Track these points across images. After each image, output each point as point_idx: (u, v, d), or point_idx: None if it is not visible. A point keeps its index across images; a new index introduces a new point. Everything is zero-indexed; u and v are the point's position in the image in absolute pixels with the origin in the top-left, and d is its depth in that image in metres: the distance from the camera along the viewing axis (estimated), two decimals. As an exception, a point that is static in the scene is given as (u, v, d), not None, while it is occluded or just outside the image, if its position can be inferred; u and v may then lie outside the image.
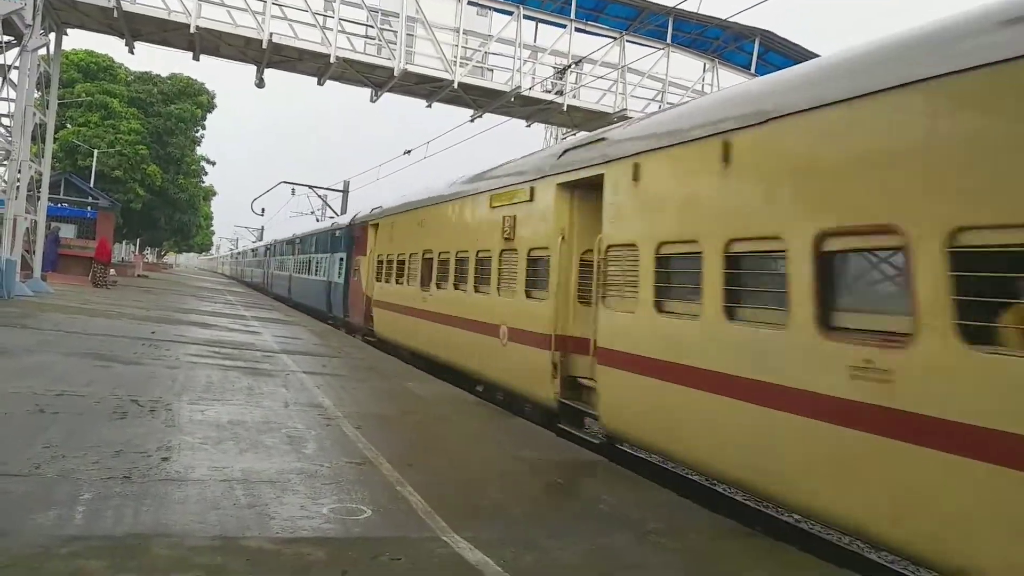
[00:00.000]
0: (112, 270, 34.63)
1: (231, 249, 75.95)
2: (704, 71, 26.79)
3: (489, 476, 6.80)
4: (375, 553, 4.50)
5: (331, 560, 4.31)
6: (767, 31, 25.43)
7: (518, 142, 20.08)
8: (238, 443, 6.90)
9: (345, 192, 45.46)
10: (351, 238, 23.36)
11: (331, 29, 22.21)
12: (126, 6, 20.35)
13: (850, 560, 5.56)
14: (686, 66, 26.97)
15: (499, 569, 4.44)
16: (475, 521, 5.32)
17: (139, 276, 52.53)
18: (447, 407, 10.59)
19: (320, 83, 24.20)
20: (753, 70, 25.06)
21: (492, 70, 24.91)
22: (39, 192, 23.44)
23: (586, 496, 6.38)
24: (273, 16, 21.64)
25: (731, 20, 22.05)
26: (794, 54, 25.18)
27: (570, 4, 23.79)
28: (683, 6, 23.20)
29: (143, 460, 5.96)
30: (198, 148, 57.41)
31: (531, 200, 10.32)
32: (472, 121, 25.62)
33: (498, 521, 5.46)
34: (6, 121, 21.26)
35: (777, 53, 25.73)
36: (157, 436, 6.81)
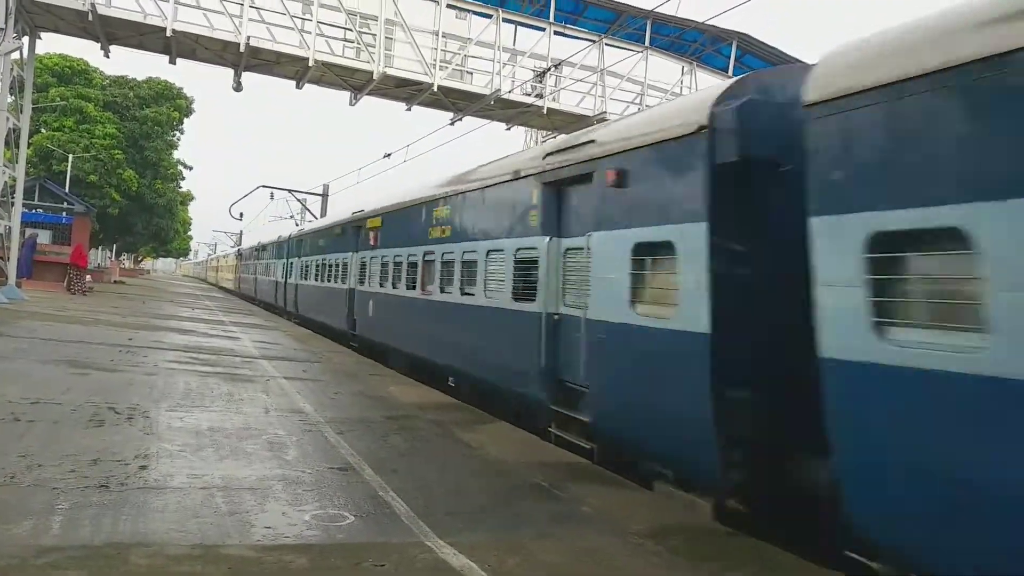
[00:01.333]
0: (88, 276, 34.22)
1: (232, 248, 70.40)
2: (683, 74, 26.96)
3: (472, 480, 6.78)
4: (358, 559, 4.46)
5: (314, 567, 4.27)
6: (744, 34, 25.66)
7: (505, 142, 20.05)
8: (218, 450, 6.83)
9: (324, 196, 45.24)
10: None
11: (309, 32, 22.08)
12: (101, 9, 20.11)
13: (833, 561, 5.57)
14: (665, 69, 27.13)
15: (483, 573, 4.42)
16: (459, 526, 5.31)
17: (115, 282, 51.94)
18: (430, 412, 10.54)
19: (299, 86, 24.04)
20: (731, 73, 25.24)
21: (472, 73, 24.87)
22: (13, 198, 23.10)
23: (570, 498, 6.37)
24: (250, 19, 21.47)
25: (709, 23, 22.24)
26: (772, 57, 25.45)
27: (549, 7, 23.84)
28: (662, 9, 23.38)
29: (121, 468, 5.88)
30: (175, 152, 56.82)
31: None
32: (452, 124, 25.60)
33: (482, 525, 5.44)
34: (-22, 126, 20.94)
35: (754, 56, 25.96)
36: (135, 444, 6.72)
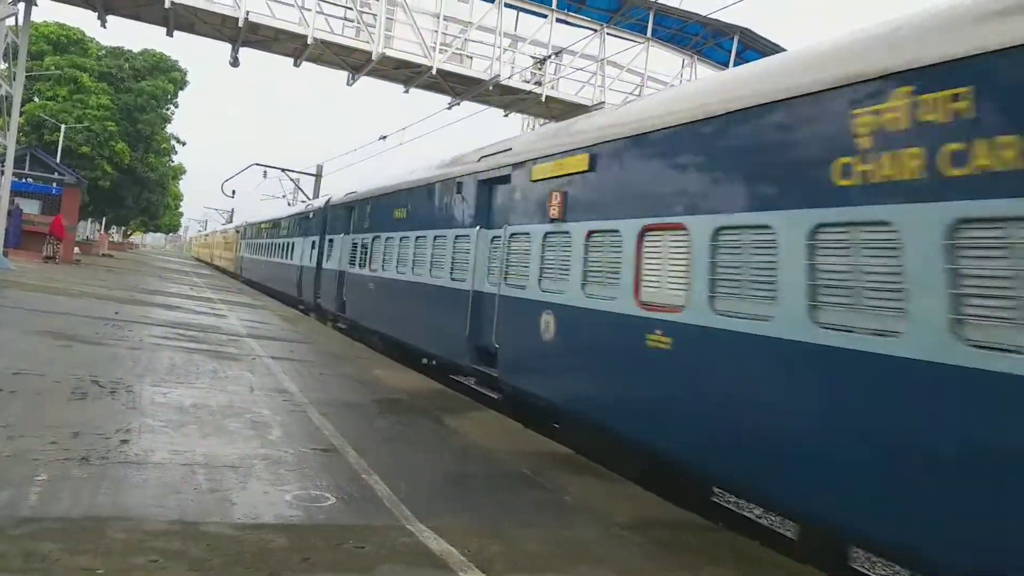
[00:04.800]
0: (76, 248, 34.03)
1: (225, 224, 59.51)
2: (683, 67, 26.86)
3: (456, 466, 6.77)
4: (338, 541, 4.44)
5: (293, 547, 4.24)
6: (746, 29, 25.56)
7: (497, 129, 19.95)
8: (201, 427, 6.78)
9: (318, 176, 44.99)
10: None
11: (309, 10, 21.87)
12: (98, -22, 19.86)
13: (811, 556, 5.60)
14: (665, 61, 27.07)
15: (463, 559, 4.41)
16: (440, 510, 5.29)
17: (104, 255, 51.62)
18: (416, 396, 10.53)
19: (296, 64, 23.83)
20: (731, 67, 25.17)
21: (471, 57, 24.69)
22: (3, 167, 22.86)
23: (553, 487, 6.36)
24: (250, -6, 21.25)
25: (712, 16, 22.15)
26: (772, 53, 25.34)
27: (552, -6, 23.68)
28: (665, 1, 23.28)
29: (102, 442, 5.83)
30: (169, 127, 56.38)
31: None
32: (449, 108, 25.44)
33: (464, 511, 5.43)
34: (-31, 91, 20.68)
35: (755, 51, 25.85)
36: (117, 418, 6.67)
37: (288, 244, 28.23)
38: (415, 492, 5.61)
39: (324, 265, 21.57)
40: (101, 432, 6.10)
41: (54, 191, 35.86)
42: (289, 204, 42.45)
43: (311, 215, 24.70)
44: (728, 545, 5.40)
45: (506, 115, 27.39)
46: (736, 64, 25.02)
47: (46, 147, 40.66)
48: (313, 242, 23.41)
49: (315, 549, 4.26)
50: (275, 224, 32.65)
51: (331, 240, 20.87)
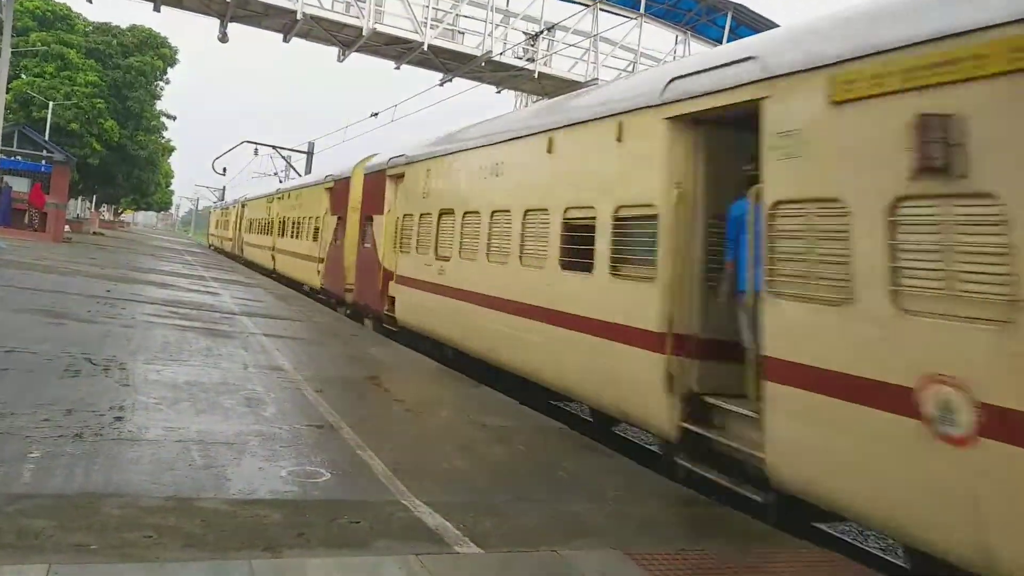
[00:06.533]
0: (67, 226, 33.90)
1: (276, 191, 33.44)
2: (676, 43, 26.70)
3: (451, 441, 6.78)
4: (333, 516, 4.45)
5: (288, 522, 4.26)
6: (740, 5, 25.37)
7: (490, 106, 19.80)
8: (195, 404, 6.78)
9: (310, 154, 44.70)
10: None
11: (299, -16, 21.60)
12: (83, -49, 19.53)
13: (806, 532, 5.66)
14: (658, 37, 26.87)
15: (458, 533, 4.43)
16: (435, 486, 5.31)
17: (95, 233, 51.28)
18: (410, 373, 10.54)
19: (286, 40, 23.58)
20: (724, 43, 25.01)
21: (463, 33, 24.47)
22: (-10, 143, 22.64)
23: (547, 462, 6.39)
24: (238, -32, 20.95)
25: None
26: (765, 29, 25.18)
27: (544, -32, 23.45)
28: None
29: (95, 419, 5.82)
30: (158, 103, 55.81)
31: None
32: (441, 85, 25.24)
33: (458, 486, 5.45)
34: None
35: (748, 27, 25.68)
36: (111, 395, 6.66)
37: None
38: (410, 467, 5.63)
39: None
40: (95, 409, 6.09)
41: (43, 169, 35.50)
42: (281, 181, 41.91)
43: None
44: (723, 518, 5.44)
45: (498, 92, 27.21)
46: (730, 41, 24.87)
47: (34, 125, 40.18)
48: None
49: (310, 525, 4.27)
50: None
51: None
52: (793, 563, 4.70)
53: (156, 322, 11.91)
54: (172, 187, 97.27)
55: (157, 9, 22.07)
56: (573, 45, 25.12)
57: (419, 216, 12.99)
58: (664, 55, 26.24)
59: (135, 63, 48.78)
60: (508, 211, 9.73)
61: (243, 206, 40.98)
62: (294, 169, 44.72)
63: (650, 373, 6.69)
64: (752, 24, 25.50)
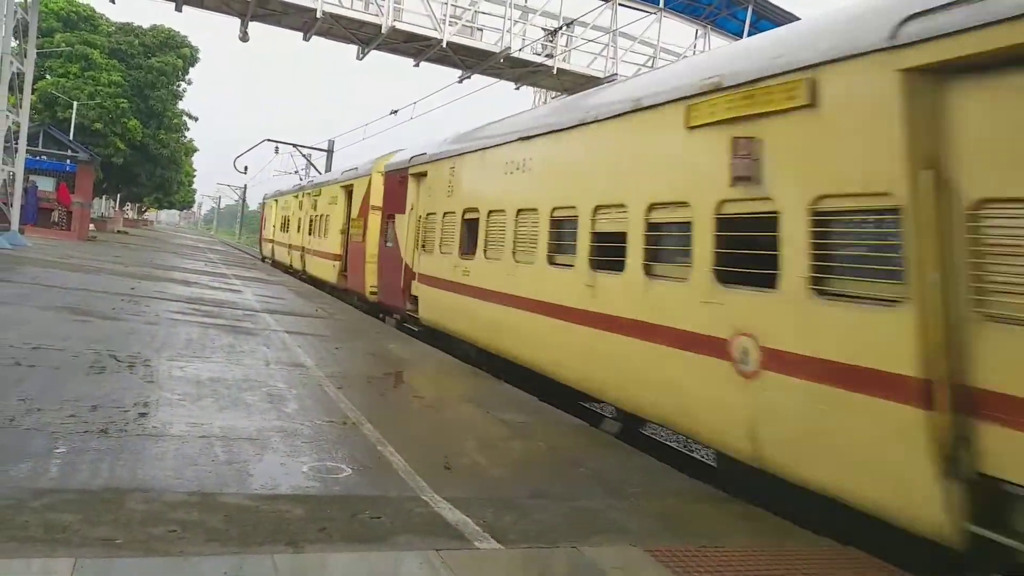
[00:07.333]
0: (91, 225, 34.42)
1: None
2: (696, 37, 26.50)
3: (471, 438, 6.79)
4: (354, 511, 4.48)
5: (310, 517, 4.28)
6: (761, -2, 25.14)
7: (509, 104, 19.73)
8: (218, 400, 6.84)
9: (330, 152, 44.89)
10: None
11: (318, -17, 21.69)
12: (106, -48, 19.75)
13: (827, 526, 5.60)
14: (678, 32, 26.69)
15: (478, 529, 4.44)
16: (456, 482, 5.32)
17: (119, 232, 51.89)
18: (431, 369, 10.57)
19: (306, 38, 23.69)
20: (745, 37, 24.80)
21: (482, 30, 24.45)
22: (17, 144, 22.95)
23: (568, 459, 6.39)
24: (258, -33, 21.08)
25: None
26: (787, 22, 24.92)
27: (563, -36, 23.36)
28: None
29: (120, 415, 5.88)
30: (180, 103, 56.35)
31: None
32: (460, 82, 25.24)
33: (479, 482, 5.46)
34: (-18, 69, 20.72)
35: (770, 21, 25.43)
36: (135, 391, 6.73)
37: None
38: (431, 463, 5.64)
39: None
40: (119, 405, 6.16)
41: (68, 168, 35.97)
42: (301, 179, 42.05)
43: None
44: (742, 515, 5.40)
45: (517, 88, 27.15)
46: (750, 35, 24.65)
47: (59, 124, 40.71)
48: None
49: (332, 520, 4.30)
50: None
51: None
52: (816, 560, 4.65)
53: (179, 319, 12.03)
54: (194, 186, 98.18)
55: (179, 9, 22.27)
56: (592, 40, 25.00)
57: (453, 214, 12.09)
58: (684, 49, 26.07)
59: (156, 63, 49.31)
60: (615, 207, 7.67)
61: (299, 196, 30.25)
62: (314, 167, 44.93)
63: (906, 443, 4.48)
64: (773, 18, 25.25)
